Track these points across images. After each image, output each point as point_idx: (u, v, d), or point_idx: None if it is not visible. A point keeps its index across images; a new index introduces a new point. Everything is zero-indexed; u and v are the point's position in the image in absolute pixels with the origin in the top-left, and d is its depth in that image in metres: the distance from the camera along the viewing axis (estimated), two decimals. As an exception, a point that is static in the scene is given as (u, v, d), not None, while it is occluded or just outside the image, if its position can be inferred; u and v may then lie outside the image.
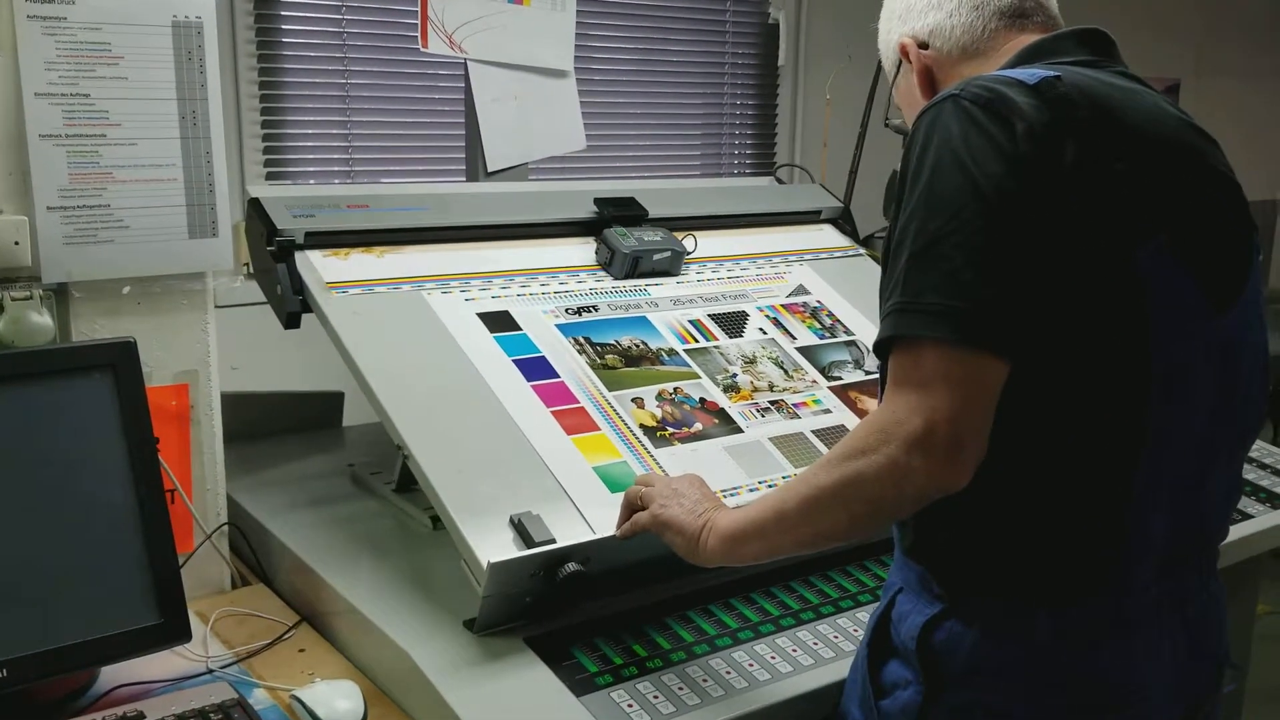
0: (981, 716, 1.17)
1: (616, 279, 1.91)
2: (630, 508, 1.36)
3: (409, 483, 1.78)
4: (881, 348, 1.09)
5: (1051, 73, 1.12)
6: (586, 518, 1.44)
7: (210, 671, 1.42)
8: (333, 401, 2.20)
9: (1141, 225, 1.08)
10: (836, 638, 1.45)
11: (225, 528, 1.65)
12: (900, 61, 1.37)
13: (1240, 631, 2.17)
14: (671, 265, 1.97)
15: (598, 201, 2.00)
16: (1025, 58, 1.24)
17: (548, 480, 1.48)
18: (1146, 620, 1.18)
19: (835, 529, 1.12)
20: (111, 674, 1.37)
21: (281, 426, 2.12)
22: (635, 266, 1.92)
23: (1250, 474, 2.12)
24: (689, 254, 2.01)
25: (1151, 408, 1.10)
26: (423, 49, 2.08)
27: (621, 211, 2.00)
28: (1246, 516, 1.97)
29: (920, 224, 1.06)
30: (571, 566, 1.35)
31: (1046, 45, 1.25)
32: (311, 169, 2.38)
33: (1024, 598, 1.15)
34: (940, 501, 1.14)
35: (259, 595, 1.63)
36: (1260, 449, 2.24)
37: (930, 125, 1.10)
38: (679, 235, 2.01)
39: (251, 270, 1.73)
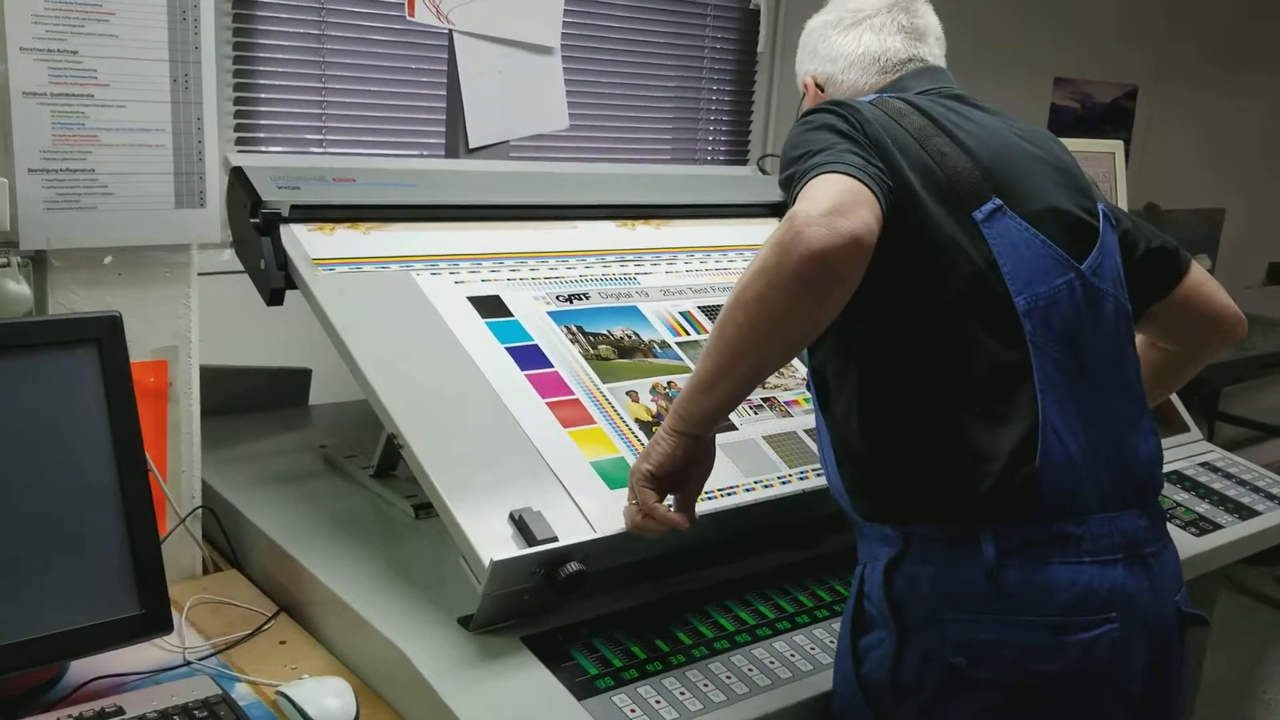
0: (951, 650, 1.23)
1: None
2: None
3: (388, 469, 1.72)
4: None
5: (886, 95, 1.38)
6: (586, 515, 1.39)
7: (188, 664, 1.36)
8: (300, 379, 2.13)
9: (975, 193, 1.27)
10: (833, 642, 1.43)
11: (199, 511, 1.58)
12: (804, 89, 1.57)
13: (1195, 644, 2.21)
14: None
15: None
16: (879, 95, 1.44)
17: (546, 475, 1.43)
18: (1098, 546, 1.25)
19: (749, 340, 1.17)
20: (83, 665, 1.30)
21: (248, 403, 2.04)
22: None
23: (1217, 484, 2.16)
24: None
25: (1028, 336, 1.24)
26: (409, 18, 2.01)
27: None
28: (1216, 526, 2.01)
29: (801, 155, 1.24)
30: (573, 566, 1.31)
31: (890, 85, 1.46)
32: (283, 134, 2.29)
33: (966, 520, 1.24)
34: (878, 458, 1.29)
35: (233, 582, 1.57)
36: (1225, 459, 2.28)
37: (797, 123, 1.33)
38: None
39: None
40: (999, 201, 1.28)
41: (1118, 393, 1.33)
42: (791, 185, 1.23)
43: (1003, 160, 1.32)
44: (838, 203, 1.13)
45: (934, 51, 1.51)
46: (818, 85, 1.53)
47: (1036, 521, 1.23)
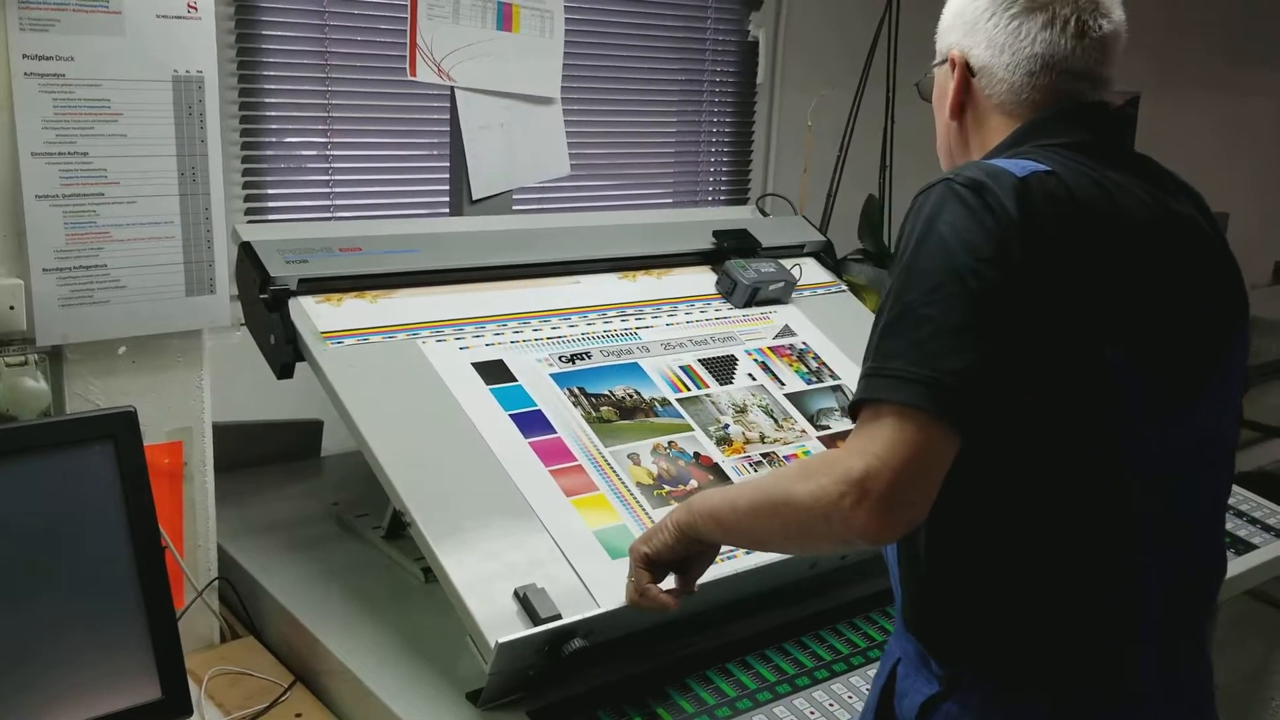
0: None
1: (736, 308, 2.07)
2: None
3: (398, 531, 1.77)
4: (852, 409, 1.11)
5: (1044, 166, 1.14)
6: (589, 588, 1.44)
7: (208, 741, 1.41)
8: (312, 430, 2.17)
9: (1106, 329, 1.11)
10: (832, 705, 1.47)
11: (216, 582, 1.63)
12: (947, 60, 1.31)
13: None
14: (784, 294, 2.12)
15: (716, 234, 2.16)
16: (1022, 137, 1.24)
17: (550, 547, 1.48)
18: (1154, 701, 1.20)
19: (769, 538, 1.19)
20: (107, 746, 1.35)
21: (261, 458, 2.09)
22: (754, 296, 2.07)
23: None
24: (798, 281, 2.14)
25: (1128, 495, 1.13)
26: (411, 77, 2.05)
27: (739, 243, 2.16)
28: (1213, 563, 2.03)
29: (898, 294, 1.09)
30: (576, 643, 1.36)
31: (1043, 123, 1.24)
32: (291, 196, 2.33)
33: (1021, 682, 1.17)
34: (939, 580, 1.19)
35: (249, 650, 1.62)
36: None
37: (922, 206, 1.13)
38: (788, 264, 2.15)
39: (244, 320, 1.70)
40: (1128, 340, 1.12)
41: (1207, 531, 1.25)
42: (867, 358, 1.09)
43: (1143, 280, 1.15)
44: (900, 481, 1.02)
45: (1110, 71, 1.27)
46: (968, 68, 1.27)
47: (1094, 688, 1.16)
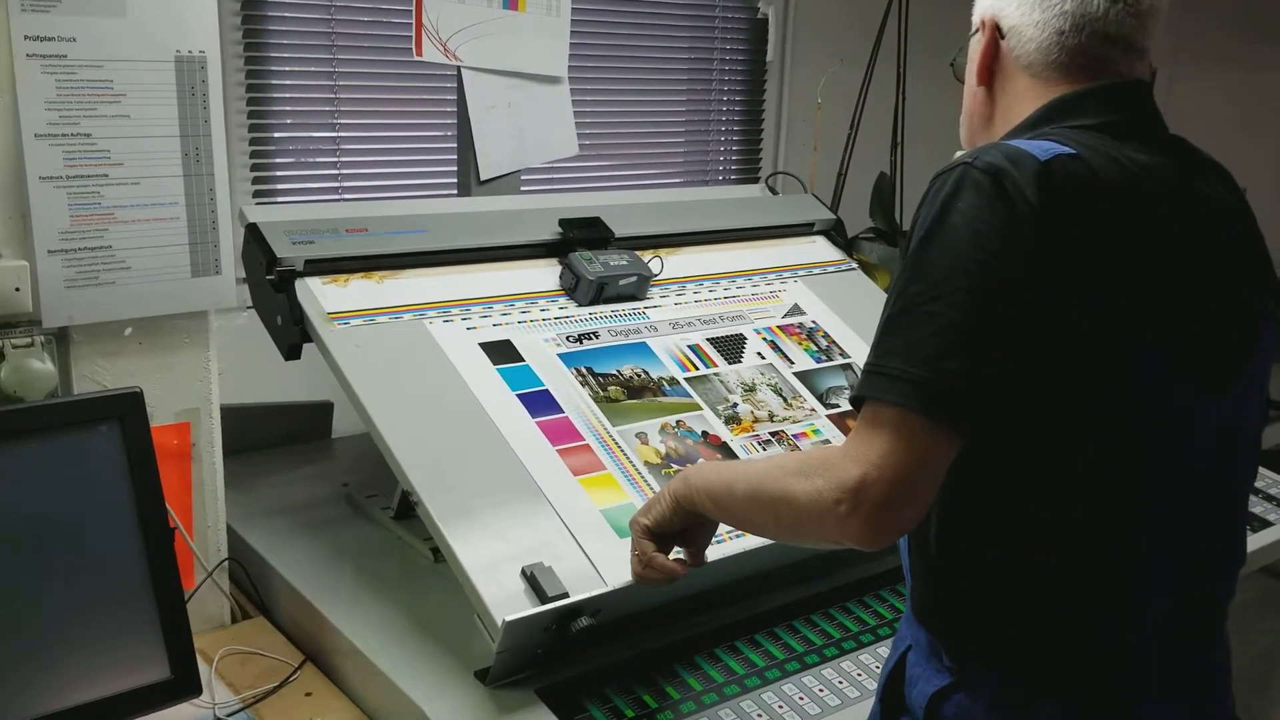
0: None
1: (580, 305, 1.86)
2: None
3: (407, 511, 1.77)
4: (853, 404, 1.10)
5: (1068, 149, 1.09)
6: (597, 566, 1.44)
7: (218, 720, 1.41)
8: (323, 412, 2.18)
9: (1132, 324, 1.07)
10: (842, 683, 1.47)
11: (226, 563, 1.63)
12: (979, 27, 1.28)
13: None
14: (638, 290, 1.92)
15: (563, 223, 1.95)
16: (1048, 116, 1.19)
17: (557, 526, 1.48)
18: (1152, 708, 1.18)
19: (763, 529, 1.19)
20: (117, 725, 1.36)
21: (272, 439, 2.10)
22: (600, 293, 1.87)
23: (1230, 493, 2.17)
24: (655, 276, 1.97)
25: (1135, 488, 1.12)
26: (417, 57, 2.04)
27: (586, 233, 1.95)
28: (1228, 540, 2.02)
29: (903, 286, 1.06)
30: (584, 621, 1.36)
31: (1072, 103, 1.19)
32: (300, 178, 2.33)
33: (1029, 676, 1.15)
34: (949, 571, 1.18)
35: (260, 630, 1.62)
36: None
37: (938, 192, 1.08)
38: (645, 256, 1.98)
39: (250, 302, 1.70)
40: (1154, 336, 1.09)
41: (1224, 525, 1.22)
42: (880, 342, 1.07)
43: (1168, 268, 1.11)
44: (896, 492, 1.01)
45: (1147, 42, 1.21)
46: (998, 30, 1.24)
47: (1103, 684, 1.15)
